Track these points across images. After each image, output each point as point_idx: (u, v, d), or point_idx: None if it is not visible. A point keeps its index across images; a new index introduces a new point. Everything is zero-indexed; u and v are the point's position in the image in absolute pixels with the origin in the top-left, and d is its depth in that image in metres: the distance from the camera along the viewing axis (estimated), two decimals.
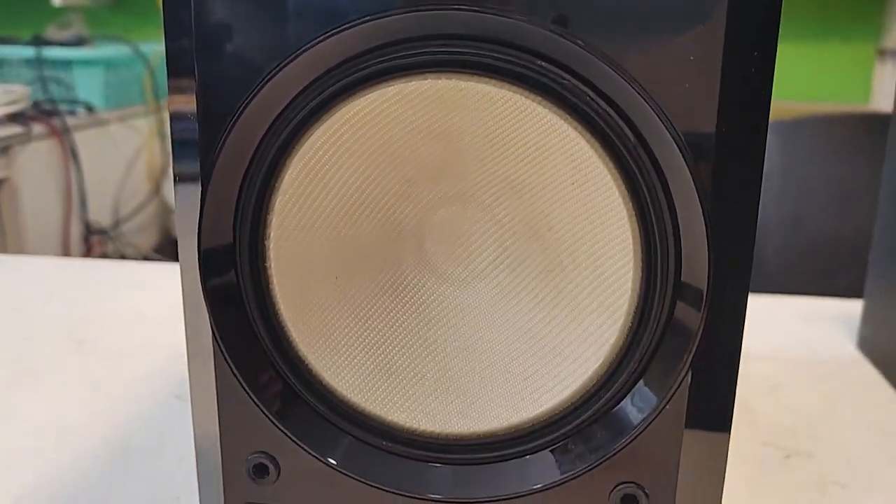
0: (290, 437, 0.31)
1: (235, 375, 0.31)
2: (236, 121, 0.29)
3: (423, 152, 0.30)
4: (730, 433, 0.30)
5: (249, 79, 0.29)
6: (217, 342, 0.31)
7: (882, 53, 1.87)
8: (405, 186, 0.30)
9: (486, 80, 0.28)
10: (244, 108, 0.29)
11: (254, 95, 0.29)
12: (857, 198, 1.29)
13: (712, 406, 0.30)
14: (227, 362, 0.31)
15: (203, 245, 0.29)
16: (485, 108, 0.29)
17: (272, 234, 0.30)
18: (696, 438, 0.30)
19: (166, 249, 1.99)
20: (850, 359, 0.59)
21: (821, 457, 0.46)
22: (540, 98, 0.28)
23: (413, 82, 0.29)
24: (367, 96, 0.29)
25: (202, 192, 0.29)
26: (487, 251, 0.31)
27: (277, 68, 0.28)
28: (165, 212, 2.03)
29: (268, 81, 0.29)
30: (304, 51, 0.28)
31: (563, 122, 0.28)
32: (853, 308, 0.65)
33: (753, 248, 0.28)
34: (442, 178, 0.30)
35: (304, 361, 0.31)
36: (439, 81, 0.29)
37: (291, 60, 0.28)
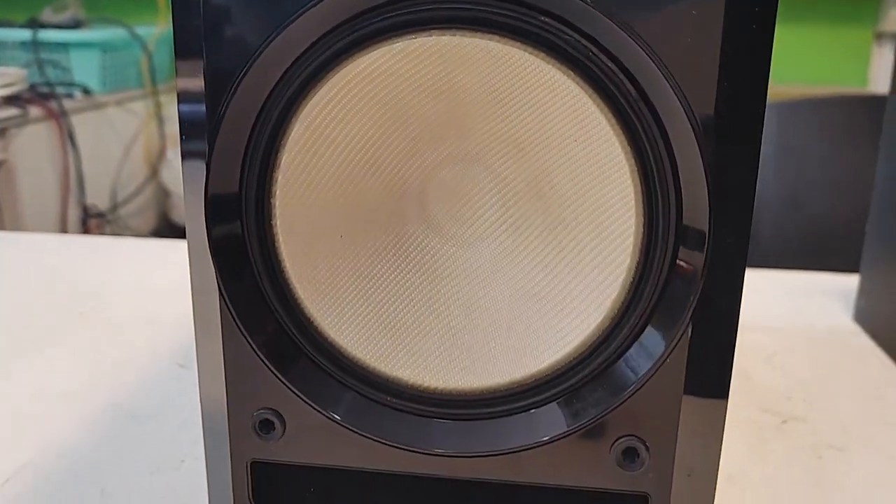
0: (294, 392, 0.31)
1: (240, 330, 0.31)
2: (243, 78, 0.29)
3: (427, 110, 0.30)
4: (729, 387, 0.30)
5: (256, 37, 0.29)
6: (222, 297, 0.31)
7: (879, 37, 1.87)
8: (410, 145, 0.31)
9: (490, 36, 0.29)
10: (251, 65, 0.29)
11: (260, 53, 0.29)
12: (854, 179, 1.29)
13: (711, 362, 0.30)
14: (232, 317, 0.31)
15: (210, 191, 0.30)
16: (489, 65, 0.29)
17: (278, 192, 0.31)
18: (696, 395, 0.30)
19: (164, 233, 1.99)
20: (847, 330, 0.60)
21: (817, 422, 0.46)
22: (543, 54, 0.28)
23: (418, 39, 0.29)
24: (371, 53, 0.29)
25: (209, 147, 0.29)
26: (491, 211, 0.31)
27: (283, 26, 0.29)
28: (163, 195, 2.03)
29: (273, 39, 0.29)
30: (309, 8, 0.29)
31: (566, 77, 0.28)
32: (849, 282, 0.66)
33: (753, 206, 0.29)
34: (446, 137, 0.31)
35: (309, 318, 0.32)
36: (443, 38, 0.29)
37: (296, 18, 0.29)
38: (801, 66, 1.91)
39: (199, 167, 0.30)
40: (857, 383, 0.51)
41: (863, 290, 0.61)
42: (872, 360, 0.55)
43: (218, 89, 0.29)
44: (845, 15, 1.89)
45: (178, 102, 0.30)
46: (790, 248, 1.37)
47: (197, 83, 0.30)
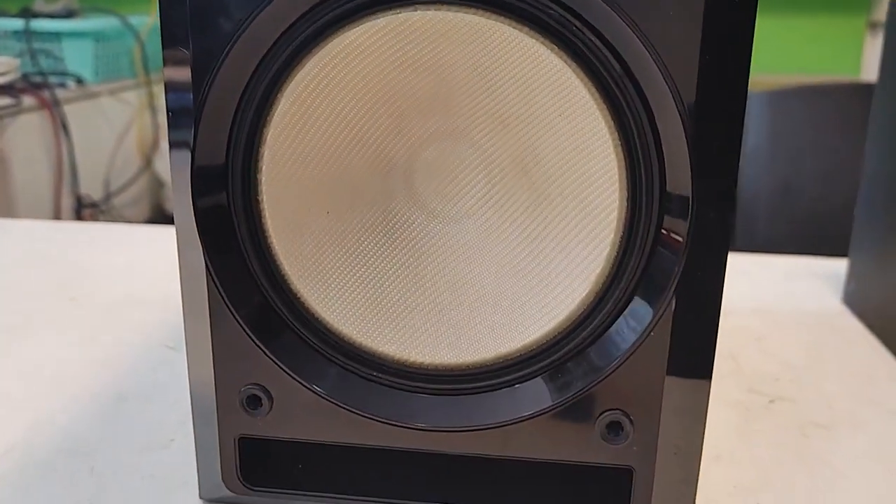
0: (278, 365, 0.32)
1: (225, 302, 0.31)
2: (229, 53, 0.29)
3: (413, 86, 0.30)
4: (713, 362, 0.31)
5: (240, 13, 0.29)
6: (208, 270, 0.31)
7: (873, 26, 1.87)
8: (396, 122, 0.31)
9: (474, 11, 0.29)
10: (235, 41, 0.29)
11: (245, 29, 0.29)
12: (847, 166, 1.30)
13: (695, 337, 0.30)
14: (217, 289, 0.31)
15: (196, 163, 0.30)
16: (473, 40, 0.29)
17: (264, 167, 0.31)
18: (680, 369, 0.31)
19: (158, 223, 1.99)
20: (836, 312, 0.60)
21: (804, 401, 0.47)
22: (527, 29, 0.29)
23: (401, 14, 0.29)
24: (355, 29, 0.29)
25: (195, 122, 0.29)
26: (476, 188, 0.31)
27: (266, 2, 0.29)
28: (157, 185, 2.02)
29: (258, 15, 0.29)
30: None
31: (550, 52, 0.29)
32: (839, 265, 0.66)
33: (736, 180, 0.29)
34: (432, 114, 0.31)
35: (295, 293, 0.32)
36: (427, 13, 0.29)
37: None
38: (794, 55, 1.91)
39: (187, 155, 0.30)
40: (844, 364, 0.52)
41: (852, 274, 0.61)
42: (861, 342, 0.55)
43: (204, 66, 0.29)
44: (839, 4, 1.89)
45: (166, 91, 0.30)
46: (783, 236, 1.38)
47: (184, 72, 0.30)
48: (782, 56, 1.91)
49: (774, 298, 0.63)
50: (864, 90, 1.43)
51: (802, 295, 0.63)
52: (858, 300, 0.59)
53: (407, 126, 0.31)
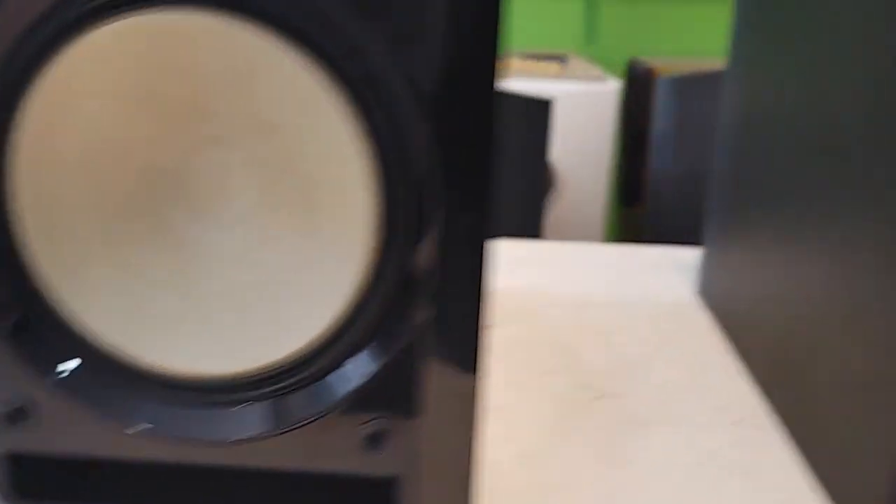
0: (31, 370, 0.31)
1: None
2: None
3: (171, 91, 0.29)
4: (477, 363, 0.30)
5: None
6: None
7: None
8: (159, 127, 0.30)
9: (216, 10, 0.28)
10: None
11: None
12: None
13: (458, 341, 0.30)
14: None
15: None
16: (219, 42, 0.28)
17: (15, 173, 0.30)
18: (444, 373, 0.30)
19: None
20: (688, 305, 0.61)
21: (630, 398, 0.47)
22: (274, 31, 0.28)
23: (146, 15, 0.28)
24: (102, 29, 0.28)
25: None
26: (246, 194, 0.31)
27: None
28: None
29: None
30: None
31: (295, 57, 0.28)
32: (698, 256, 0.67)
33: (491, 178, 0.29)
34: (196, 119, 0.30)
35: (55, 302, 0.31)
36: (173, 15, 0.28)
37: None
38: (704, 39, 1.94)
39: None
40: (682, 359, 0.52)
41: (704, 265, 0.61)
42: (706, 336, 0.56)
43: None
44: None
45: None
46: (690, 224, 1.39)
47: None
48: (693, 41, 1.93)
49: (628, 291, 0.63)
50: None
51: (661, 286, 0.64)
52: (709, 292, 0.60)
53: (171, 131, 0.30)
